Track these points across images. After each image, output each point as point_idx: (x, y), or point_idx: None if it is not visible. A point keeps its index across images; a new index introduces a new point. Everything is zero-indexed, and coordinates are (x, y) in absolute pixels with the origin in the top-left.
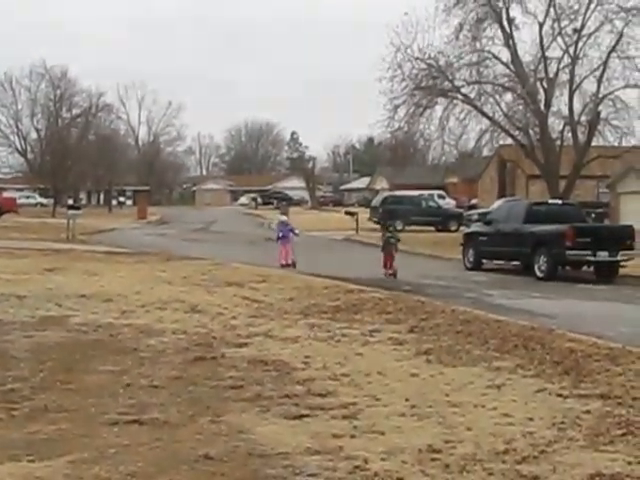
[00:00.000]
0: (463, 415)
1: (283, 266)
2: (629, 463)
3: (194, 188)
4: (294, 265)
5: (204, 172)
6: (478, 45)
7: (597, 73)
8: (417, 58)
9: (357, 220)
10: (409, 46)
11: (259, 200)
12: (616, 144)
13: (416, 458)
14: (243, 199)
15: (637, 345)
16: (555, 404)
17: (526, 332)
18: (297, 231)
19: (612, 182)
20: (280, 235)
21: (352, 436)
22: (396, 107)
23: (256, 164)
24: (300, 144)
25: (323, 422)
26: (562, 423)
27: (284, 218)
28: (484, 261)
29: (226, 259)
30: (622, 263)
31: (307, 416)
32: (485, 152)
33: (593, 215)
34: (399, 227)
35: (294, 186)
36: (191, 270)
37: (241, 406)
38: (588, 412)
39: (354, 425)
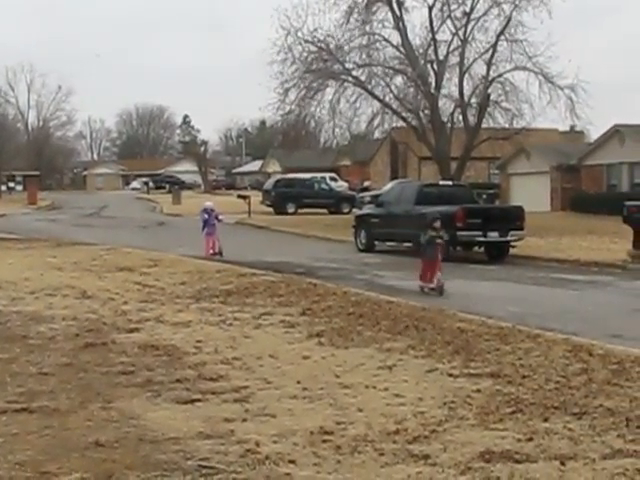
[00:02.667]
0: (354, 396)
1: (211, 255)
2: (518, 440)
3: (85, 173)
4: (220, 254)
5: (95, 157)
6: (368, 28)
7: (486, 56)
8: (307, 41)
9: (249, 203)
10: (299, 29)
11: (151, 184)
12: (506, 126)
13: (307, 440)
14: (135, 183)
15: (527, 324)
16: (446, 384)
17: (417, 313)
18: (221, 217)
19: (502, 163)
20: (206, 222)
21: (244, 420)
22: (287, 90)
23: (148, 148)
24: (192, 128)
25: (214, 406)
26: (453, 402)
27: (209, 204)
28: (376, 243)
29: (117, 244)
30: (512, 243)
31: (198, 400)
32: (377, 134)
33: (484, 196)
34: (291, 210)
35: (186, 170)
36: (82, 256)
37: (132, 392)
38: (478, 391)
39: (246, 409)
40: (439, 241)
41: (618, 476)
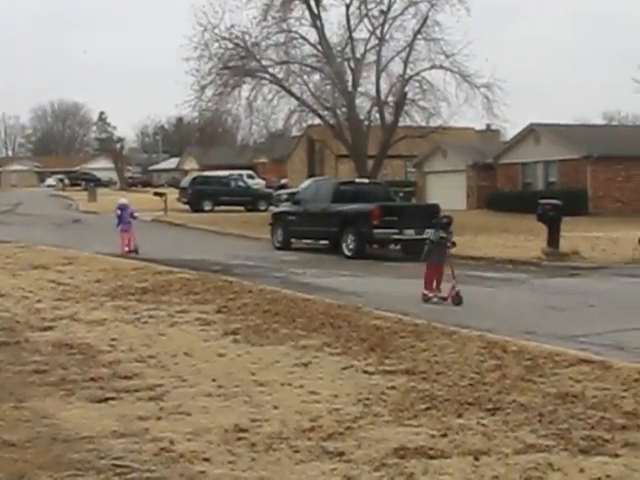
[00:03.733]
0: (270, 394)
1: (126, 253)
2: (432, 436)
3: None
4: (136, 251)
5: (9, 153)
6: (286, 26)
7: (403, 55)
8: (224, 38)
9: (166, 201)
10: (216, 26)
11: (67, 181)
12: (423, 124)
13: (222, 438)
14: (50, 180)
15: (442, 321)
16: (361, 380)
17: (333, 310)
18: (136, 214)
19: (419, 162)
20: (121, 219)
21: (158, 418)
22: (203, 87)
23: (63, 145)
24: (108, 125)
25: (129, 404)
26: (368, 399)
27: (124, 201)
28: (293, 240)
29: (32, 242)
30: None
31: (112, 399)
32: (294, 132)
33: (401, 194)
34: (207, 207)
35: (103, 167)
36: None
37: (45, 390)
38: (393, 388)
39: (160, 407)
40: (446, 243)
41: (530, 470)
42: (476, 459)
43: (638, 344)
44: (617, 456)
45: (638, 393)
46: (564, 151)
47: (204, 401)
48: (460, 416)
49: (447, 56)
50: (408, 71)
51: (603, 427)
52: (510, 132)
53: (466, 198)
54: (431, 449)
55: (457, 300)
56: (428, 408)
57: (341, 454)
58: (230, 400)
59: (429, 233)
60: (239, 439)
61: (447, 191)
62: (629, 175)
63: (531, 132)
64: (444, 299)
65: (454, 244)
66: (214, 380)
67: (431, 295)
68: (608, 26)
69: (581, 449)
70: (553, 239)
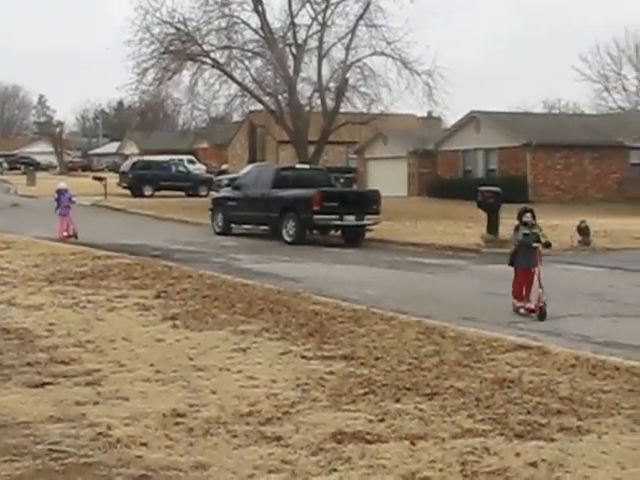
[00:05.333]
0: (208, 379)
1: (65, 238)
2: (370, 421)
3: None
4: (75, 236)
5: None
6: (227, 10)
7: (345, 41)
8: (166, 22)
9: (105, 185)
10: (158, 9)
11: (5, 165)
12: (364, 111)
13: (160, 423)
14: None
15: (381, 307)
16: (299, 366)
17: (272, 296)
18: (74, 199)
19: (360, 148)
20: (59, 203)
21: (95, 403)
22: (144, 70)
23: (1, 128)
24: (48, 108)
25: (66, 389)
26: (306, 384)
27: (63, 185)
28: (233, 226)
29: None
30: (368, 227)
31: (50, 384)
32: (236, 117)
33: (342, 180)
34: (148, 192)
35: (42, 151)
36: None
37: None
38: (332, 373)
39: (98, 392)
40: (536, 244)
41: (467, 455)
42: (413, 444)
43: (575, 330)
44: (552, 440)
45: (574, 378)
46: (504, 139)
47: (142, 386)
48: (398, 401)
49: (389, 43)
50: (350, 57)
51: (539, 412)
52: (452, 119)
53: (407, 185)
54: (368, 434)
55: (542, 313)
56: (366, 393)
57: (279, 439)
58: (168, 385)
59: (509, 235)
60: (177, 424)
61: (388, 178)
62: (568, 163)
63: (472, 120)
64: (532, 311)
65: (548, 244)
66: (152, 365)
67: (519, 305)
68: (549, 15)
69: (517, 433)
70: (493, 226)
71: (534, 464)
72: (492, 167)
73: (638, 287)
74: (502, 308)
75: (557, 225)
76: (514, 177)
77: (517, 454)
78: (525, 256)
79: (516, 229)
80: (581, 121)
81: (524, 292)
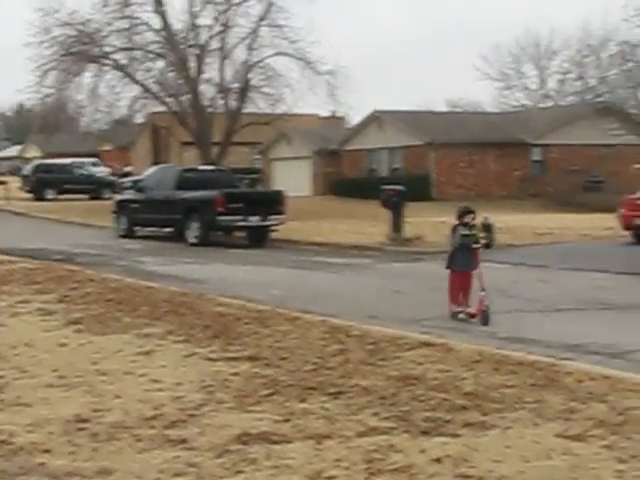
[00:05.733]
0: (112, 383)
1: None
2: (275, 421)
3: None
4: None
5: None
6: (128, 11)
7: (248, 41)
8: (66, 23)
9: (7, 189)
10: (58, 10)
11: None
12: (268, 111)
13: (63, 429)
14: None
15: (287, 307)
16: (204, 368)
17: (177, 298)
18: None
19: (264, 148)
20: None
21: None
22: (45, 73)
23: None
24: None
25: None
26: (211, 386)
27: None
28: (137, 228)
29: None
30: (273, 227)
31: None
32: (139, 119)
33: (247, 181)
34: (50, 196)
35: None
36: None
37: None
38: (237, 374)
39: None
40: (477, 245)
41: (372, 453)
42: (318, 443)
43: (478, 326)
44: (457, 436)
45: (478, 374)
46: (408, 137)
47: (45, 392)
48: (303, 401)
49: (291, 42)
50: (252, 58)
51: (444, 408)
52: (356, 119)
53: (312, 185)
54: (274, 434)
55: (484, 318)
56: (271, 394)
57: (184, 441)
58: (71, 390)
59: (447, 236)
60: (80, 429)
61: (293, 178)
62: (471, 161)
63: (375, 119)
64: (472, 315)
65: (488, 245)
66: (55, 371)
67: (457, 310)
68: (451, 15)
69: (422, 430)
70: (396, 224)
71: (439, 460)
72: (396, 166)
73: (541, 282)
74: (407, 306)
75: None
76: (418, 176)
77: (422, 451)
78: (464, 258)
79: (454, 230)
80: (483, 119)
81: (463, 296)
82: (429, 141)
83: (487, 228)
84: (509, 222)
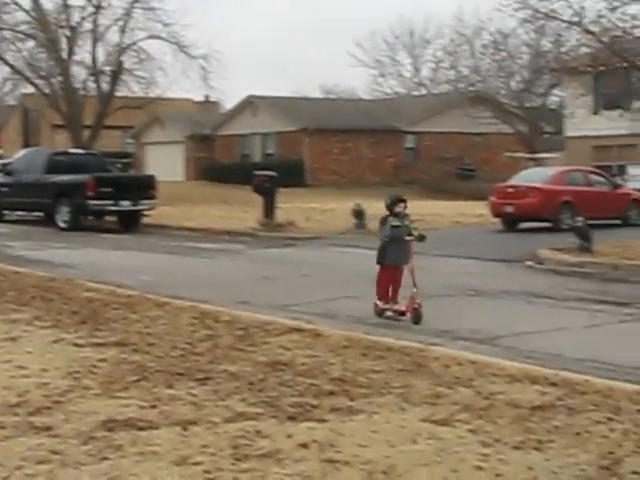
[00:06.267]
0: None
1: None
2: (142, 408)
3: None
4: None
5: None
6: None
7: (121, 23)
8: None
9: None
10: None
11: None
12: (141, 95)
13: None
14: None
15: (156, 293)
16: (71, 354)
17: (45, 283)
18: None
19: (137, 132)
20: None
21: None
22: None
23: None
24: None
25: None
26: (77, 372)
27: None
28: (6, 212)
29: None
30: (144, 212)
31: None
32: (9, 101)
33: (119, 165)
34: None
35: None
36: None
37: None
38: (104, 360)
39: None
40: (410, 238)
41: (239, 438)
42: (185, 429)
43: (348, 312)
44: (324, 421)
45: (346, 359)
46: (282, 123)
47: None
48: (170, 387)
49: (165, 25)
50: (125, 40)
51: (311, 393)
52: (231, 104)
53: (184, 170)
54: (140, 420)
55: (416, 316)
56: (138, 380)
57: (48, 429)
58: None
59: (376, 227)
60: None
61: (166, 162)
62: (345, 147)
63: (249, 104)
64: (402, 313)
65: (422, 237)
66: None
67: (385, 307)
68: (328, 2)
69: (289, 416)
70: (269, 210)
71: (305, 445)
72: (270, 151)
73: None
74: (278, 291)
75: (333, 209)
76: (292, 161)
77: (289, 436)
78: (395, 251)
79: (383, 221)
80: (358, 106)
81: (391, 292)
82: (303, 127)
83: (359, 214)
84: (381, 209)
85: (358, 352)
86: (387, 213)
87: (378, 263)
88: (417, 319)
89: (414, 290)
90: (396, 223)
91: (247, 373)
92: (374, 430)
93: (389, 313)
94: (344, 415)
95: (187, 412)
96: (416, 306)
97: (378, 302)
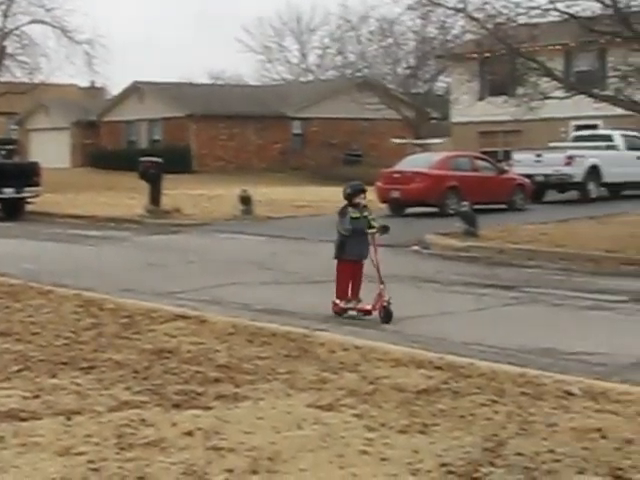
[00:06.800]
0: None
1: None
2: (24, 398)
3: None
4: None
5: None
6: None
7: (3, 7)
8: None
9: None
10: None
11: None
12: (25, 80)
13: None
14: None
15: (40, 281)
16: None
17: None
18: None
19: (21, 119)
20: None
21: None
22: None
23: None
24: None
25: None
26: None
27: None
28: None
29: None
30: (28, 200)
31: None
32: None
33: (3, 152)
34: None
35: None
36: None
37: None
38: None
39: None
40: (371, 230)
41: (123, 427)
42: (68, 419)
43: (234, 298)
44: (209, 408)
45: (232, 346)
46: (168, 109)
47: None
48: (54, 376)
49: (48, 10)
50: (8, 25)
51: (197, 381)
52: (118, 90)
53: (70, 156)
54: (22, 411)
55: (386, 315)
56: (21, 370)
57: None
58: None
59: (338, 221)
60: None
61: (51, 149)
62: (232, 133)
63: (136, 90)
64: (367, 312)
65: (386, 229)
66: None
67: (346, 306)
68: None
69: (174, 404)
70: (155, 197)
71: (190, 433)
72: (157, 138)
73: (298, 254)
74: (163, 279)
75: (220, 195)
76: (178, 148)
77: (174, 424)
78: (356, 245)
79: (343, 212)
80: (245, 92)
81: (353, 290)
82: (189, 113)
83: (246, 200)
84: (268, 195)
85: (244, 338)
86: (346, 204)
87: (336, 258)
88: (387, 318)
89: (381, 287)
90: (355, 215)
91: (132, 361)
92: (260, 416)
93: (352, 312)
94: (229, 402)
95: (71, 402)
96: (385, 304)
97: (338, 301)
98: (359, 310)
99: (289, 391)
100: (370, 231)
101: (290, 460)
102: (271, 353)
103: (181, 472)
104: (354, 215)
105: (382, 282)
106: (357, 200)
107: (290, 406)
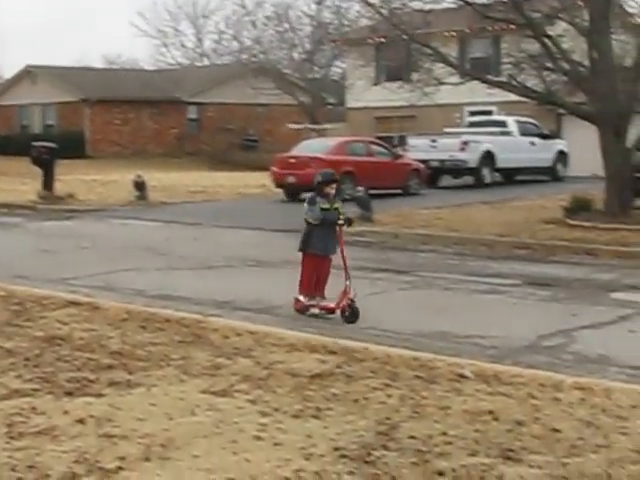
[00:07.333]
0: None
1: None
2: None
3: None
4: None
5: None
6: None
7: None
8: None
9: None
10: None
11: None
12: None
13: None
14: None
15: None
16: None
17: None
18: None
19: None
20: None
21: None
22: None
23: None
24: None
25: None
26: None
27: None
28: None
29: None
30: None
31: None
32: None
33: None
34: None
35: None
36: None
37: None
38: None
39: None
40: (341, 222)
41: (13, 416)
42: None
43: (128, 284)
44: (102, 396)
45: (125, 332)
46: (62, 94)
47: None
48: None
49: None
50: None
51: (89, 368)
52: (9, 73)
53: None
54: None
55: (352, 313)
56: None
57: None
58: None
59: (306, 211)
60: None
61: None
62: (127, 118)
63: (28, 74)
64: (331, 311)
65: (350, 222)
66: None
67: (308, 303)
68: None
69: (66, 391)
70: (48, 182)
71: (82, 421)
72: (50, 122)
73: (193, 240)
74: (56, 265)
75: (115, 180)
76: (72, 133)
77: (65, 412)
78: (323, 238)
79: (312, 202)
80: (140, 77)
81: (317, 286)
82: (84, 97)
83: (140, 186)
84: (163, 180)
85: (137, 325)
86: (314, 194)
87: (300, 251)
88: (352, 316)
89: (347, 283)
90: (326, 206)
91: (23, 349)
92: (153, 403)
93: (315, 311)
94: (122, 389)
95: None
96: (349, 302)
97: (301, 297)
98: (322, 308)
99: (183, 377)
100: (339, 222)
101: (183, 447)
102: (164, 339)
103: (72, 460)
104: (324, 206)
105: (348, 277)
106: (327, 190)
107: (183, 392)
